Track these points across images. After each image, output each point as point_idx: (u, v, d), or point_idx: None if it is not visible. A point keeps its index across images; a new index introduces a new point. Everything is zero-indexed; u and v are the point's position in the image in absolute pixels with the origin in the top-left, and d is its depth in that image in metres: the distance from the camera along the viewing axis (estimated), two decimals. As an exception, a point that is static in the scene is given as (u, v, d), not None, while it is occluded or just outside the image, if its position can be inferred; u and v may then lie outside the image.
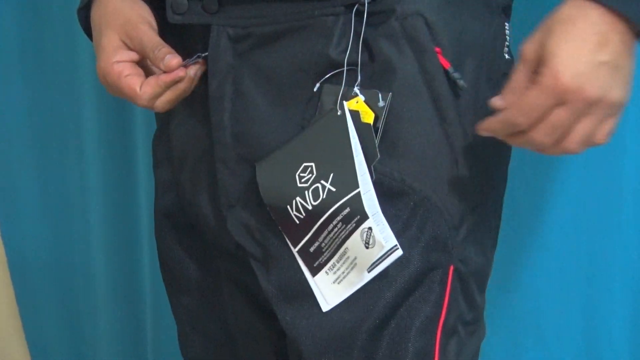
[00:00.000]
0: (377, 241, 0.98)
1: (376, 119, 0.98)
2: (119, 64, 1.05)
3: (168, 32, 1.09)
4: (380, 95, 0.97)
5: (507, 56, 1.07)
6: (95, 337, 1.81)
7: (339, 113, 0.97)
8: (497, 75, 1.05)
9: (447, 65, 0.99)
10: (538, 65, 0.90)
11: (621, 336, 1.47)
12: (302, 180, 0.99)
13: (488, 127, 0.95)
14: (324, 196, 0.98)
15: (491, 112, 1.04)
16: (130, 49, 1.06)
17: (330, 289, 1.00)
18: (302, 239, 1.00)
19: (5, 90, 1.72)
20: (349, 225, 0.98)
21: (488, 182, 1.07)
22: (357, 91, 0.98)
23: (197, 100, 1.08)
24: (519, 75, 0.92)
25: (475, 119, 1.03)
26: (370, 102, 0.97)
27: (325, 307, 1.01)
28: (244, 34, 1.03)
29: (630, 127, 1.40)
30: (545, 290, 1.45)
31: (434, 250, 1.01)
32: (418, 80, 0.99)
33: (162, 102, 1.05)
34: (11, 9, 1.69)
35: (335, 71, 0.99)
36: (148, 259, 1.73)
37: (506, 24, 1.07)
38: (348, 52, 0.99)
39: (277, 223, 1.02)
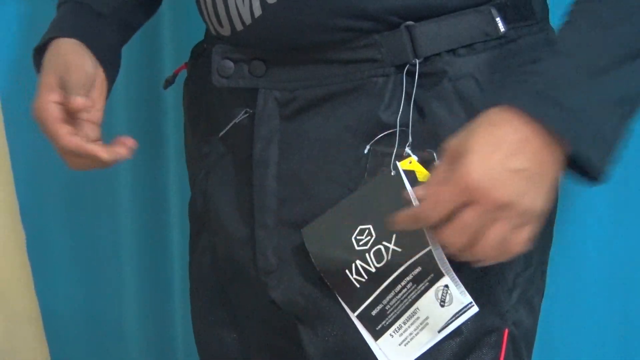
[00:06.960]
0: (455, 298, 0.97)
1: None
2: (55, 106, 1.09)
3: (211, 94, 1.09)
4: (435, 155, 0.96)
5: None
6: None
7: (392, 173, 0.97)
8: None
9: None
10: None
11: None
12: (361, 243, 0.97)
13: (401, 219, 0.93)
14: (389, 257, 0.97)
15: None
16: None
17: (396, 351, 0.99)
18: (363, 303, 0.99)
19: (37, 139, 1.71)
20: (420, 285, 0.97)
21: (537, 243, 1.07)
22: (409, 151, 0.97)
23: (238, 164, 1.07)
24: (438, 170, 0.90)
25: None
26: (426, 162, 0.97)
27: None
28: (291, 97, 1.02)
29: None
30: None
31: (490, 314, 1.01)
32: None
33: (79, 164, 1.11)
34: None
35: (386, 132, 0.99)
36: (180, 315, 1.73)
37: None
38: (400, 113, 0.98)
39: (332, 288, 1.01)
